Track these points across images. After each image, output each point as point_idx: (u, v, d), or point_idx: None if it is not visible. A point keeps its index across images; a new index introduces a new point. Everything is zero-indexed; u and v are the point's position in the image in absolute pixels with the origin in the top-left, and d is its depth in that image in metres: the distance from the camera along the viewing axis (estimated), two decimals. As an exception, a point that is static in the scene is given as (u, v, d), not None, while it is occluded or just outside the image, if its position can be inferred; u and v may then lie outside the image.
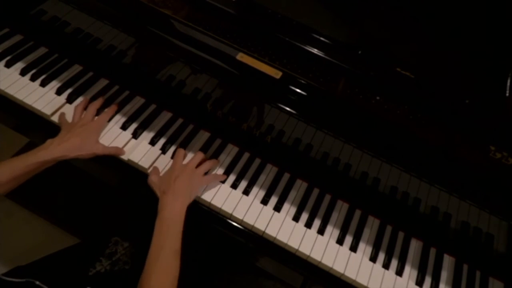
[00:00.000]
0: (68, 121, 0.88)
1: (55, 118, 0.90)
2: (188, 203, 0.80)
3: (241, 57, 0.78)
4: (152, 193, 0.82)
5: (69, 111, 0.91)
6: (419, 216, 0.88)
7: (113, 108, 0.93)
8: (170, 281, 0.70)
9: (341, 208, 0.91)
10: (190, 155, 0.90)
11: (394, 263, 0.85)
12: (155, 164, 0.87)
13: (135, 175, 0.89)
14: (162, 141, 0.91)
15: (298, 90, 0.76)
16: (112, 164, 0.89)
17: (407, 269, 0.84)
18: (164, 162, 0.88)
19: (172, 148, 0.91)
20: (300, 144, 0.90)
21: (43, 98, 0.92)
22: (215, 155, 0.92)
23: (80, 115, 0.89)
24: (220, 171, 0.90)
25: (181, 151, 0.87)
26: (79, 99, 0.94)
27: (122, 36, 0.89)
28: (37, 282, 0.72)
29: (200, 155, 0.87)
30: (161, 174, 0.85)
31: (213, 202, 0.85)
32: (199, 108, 0.94)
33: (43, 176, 0.82)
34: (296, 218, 0.86)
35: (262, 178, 0.91)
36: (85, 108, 0.91)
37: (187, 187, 0.80)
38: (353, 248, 0.85)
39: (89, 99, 0.93)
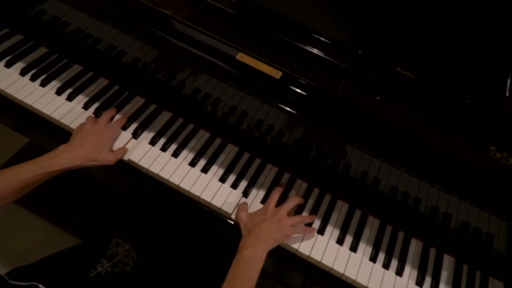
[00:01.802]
0: (81, 127, 0.84)
1: (54, 116, 0.90)
2: (270, 248, 0.76)
3: (241, 57, 0.77)
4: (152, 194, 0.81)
5: (68, 111, 0.91)
6: (419, 216, 0.88)
7: (124, 117, 0.91)
8: None
9: (341, 208, 0.91)
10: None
11: (394, 263, 0.85)
12: (155, 163, 0.87)
13: (136, 176, 0.89)
14: (162, 141, 0.91)
15: (298, 90, 0.76)
16: (113, 164, 0.89)
17: (407, 269, 0.85)
18: (165, 161, 0.88)
19: (173, 147, 0.91)
20: (300, 144, 0.90)
21: (43, 98, 0.92)
22: (215, 155, 0.92)
23: (93, 122, 0.85)
24: (220, 171, 0.90)
25: (276, 193, 0.84)
26: (79, 99, 0.94)
27: (122, 36, 0.89)
28: (41, 286, 0.72)
29: (295, 201, 0.84)
30: (250, 210, 0.84)
31: (213, 202, 0.85)
32: (199, 108, 0.94)
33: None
34: (296, 218, 0.86)
35: (262, 178, 0.91)
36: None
37: (273, 233, 0.76)
38: (353, 248, 0.85)
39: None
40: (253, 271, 0.71)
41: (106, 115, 0.89)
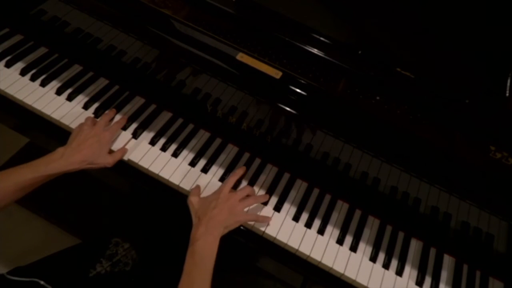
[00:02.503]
0: (79, 129, 0.84)
1: (54, 116, 0.90)
2: (222, 234, 0.76)
3: (241, 57, 0.78)
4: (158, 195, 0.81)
5: (68, 111, 0.91)
6: (419, 216, 0.88)
7: (124, 118, 0.91)
8: None
9: (341, 208, 0.91)
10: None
11: (394, 263, 0.85)
12: (155, 162, 0.87)
13: (136, 176, 0.89)
14: (162, 141, 0.91)
15: (298, 90, 0.76)
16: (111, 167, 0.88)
17: (407, 269, 0.85)
18: (165, 161, 0.88)
19: (173, 147, 0.91)
20: (300, 144, 0.90)
21: (43, 98, 0.92)
22: (215, 155, 0.92)
23: (91, 124, 0.85)
24: (220, 171, 0.90)
25: (234, 177, 0.83)
26: (79, 99, 0.94)
27: (122, 36, 0.89)
28: (42, 282, 0.72)
29: (248, 190, 0.83)
30: (203, 195, 0.82)
31: (213, 202, 0.85)
32: (199, 108, 0.94)
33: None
34: (296, 218, 0.86)
35: (262, 178, 0.91)
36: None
37: (224, 220, 0.76)
38: (353, 248, 0.85)
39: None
40: (207, 262, 0.71)
41: (105, 117, 0.88)
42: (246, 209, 0.83)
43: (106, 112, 0.91)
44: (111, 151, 0.86)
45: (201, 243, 0.72)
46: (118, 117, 0.93)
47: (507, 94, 0.75)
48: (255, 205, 0.86)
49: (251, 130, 0.92)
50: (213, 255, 0.73)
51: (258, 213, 0.85)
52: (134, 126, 0.93)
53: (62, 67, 0.98)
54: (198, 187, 0.84)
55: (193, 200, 0.79)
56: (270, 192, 0.89)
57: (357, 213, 0.90)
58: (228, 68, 0.78)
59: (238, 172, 0.86)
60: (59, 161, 0.77)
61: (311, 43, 0.79)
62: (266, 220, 0.84)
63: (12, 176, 0.73)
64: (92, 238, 0.93)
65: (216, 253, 0.73)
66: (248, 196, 0.83)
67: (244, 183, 0.89)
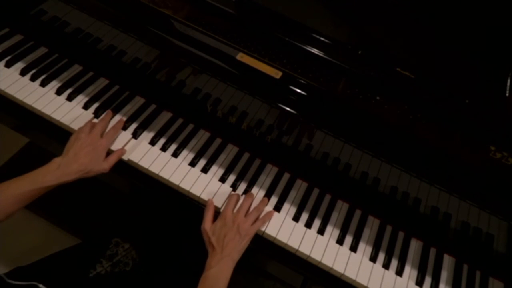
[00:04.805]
0: (75, 138, 0.82)
1: (54, 116, 0.90)
2: (237, 260, 0.76)
3: (241, 57, 0.78)
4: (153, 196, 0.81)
5: (68, 111, 0.91)
6: (419, 216, 0.88)
7: (120, 122, 0.90)
8: None
9: (341, 208, 0.91)
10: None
11: (394, 263, 0.85)
12: (155, 163, 0.87)
13: (136, 176, 0.89)
14: (162, 141, 0.91)
15: (298, 90, 0.76)
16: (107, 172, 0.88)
17: (407, 269, 0.85)
18: (164, 161, 0.88)
19: (173, 147, 0.91)
20: (300, 144, 0.90)
21: (43, 98, 0.92)
22: (215, 155, 0.92)
23: (88, 132, 0.84)
24: (220, 171, 0.90)
25: (233, 197, 0.83)
26: (79, 99, 0.94)
27: (122, 36, 0.89)
28: (41, 285, 0.72)
29: (248, 201, 0.84)
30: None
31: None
32: (199, 108, 0.94)
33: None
34: (296, 218, 0.86)
35: (262, 178, 0.91)
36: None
37: (236, 246, 0.76)
38: (353, 248, 0.85)
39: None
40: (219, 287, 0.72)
41: (101, 122, 0.87)
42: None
43: (102, 117, 0.90)
44: (110, 151, 0.86)
45: (214, 271, 0.73)
46: (118, 117, 0.93)
47: (507, 94, 0.75)
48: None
49: (251, 130, 0.93)
50: (226, 281, 0.73)
51: (261, 216, 0.85)
52: (134, 126, 0.93)
53: (62, 67, 0.98)
54: (211, 212, 0.82)
55: (206, 228, 0.79)
56: (270, 192, 0.89)
57: (357, 213, 0.90)
58: (228, 68, 0.78)
59: (236, 194, 0.86)
60: (56, 172, 0.76)
61: (311, 43, 0.79)
62: (270, 216, 0.84)
63: (11, 189, 0.72)
64: (92, 238, 0.93)
65: (228, 280, 0.73)
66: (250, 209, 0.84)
67: (243, 185, 0.89)
